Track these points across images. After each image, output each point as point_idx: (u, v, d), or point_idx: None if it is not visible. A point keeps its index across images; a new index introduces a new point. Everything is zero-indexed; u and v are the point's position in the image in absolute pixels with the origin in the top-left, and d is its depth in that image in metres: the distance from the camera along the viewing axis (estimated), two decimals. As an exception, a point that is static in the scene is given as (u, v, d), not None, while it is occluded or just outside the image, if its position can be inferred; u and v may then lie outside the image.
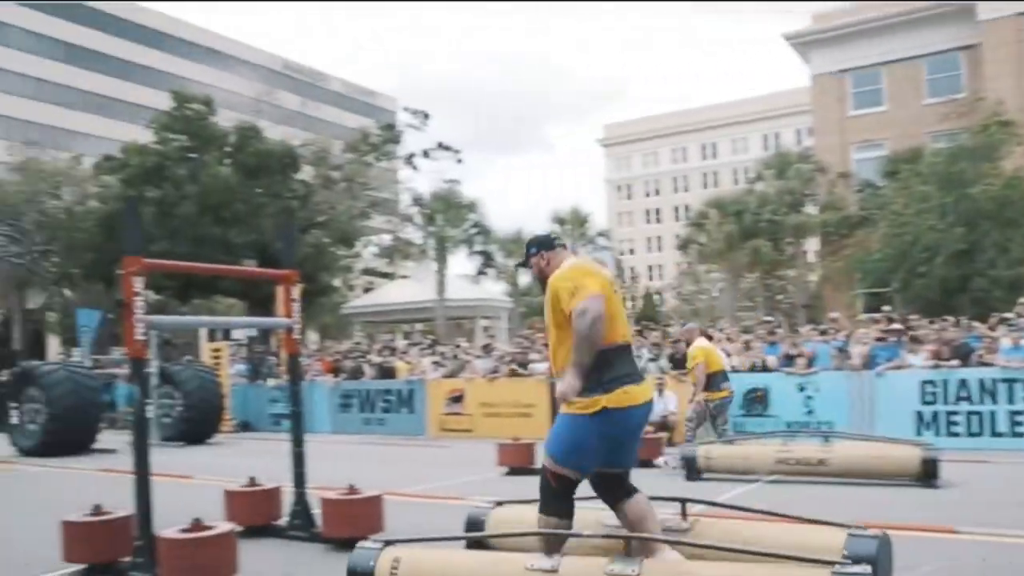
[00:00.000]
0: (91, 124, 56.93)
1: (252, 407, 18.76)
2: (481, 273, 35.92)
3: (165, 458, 9.05)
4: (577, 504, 4.82)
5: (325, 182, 26.82)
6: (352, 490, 5.96)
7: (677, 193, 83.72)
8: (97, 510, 5.51)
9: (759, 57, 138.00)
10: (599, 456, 4.16)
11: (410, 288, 35.63)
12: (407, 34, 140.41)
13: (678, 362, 14.03)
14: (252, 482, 6.51)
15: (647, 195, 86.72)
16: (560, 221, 38.20)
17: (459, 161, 35.87)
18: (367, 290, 46.69)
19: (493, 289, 38.61)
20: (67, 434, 13.17)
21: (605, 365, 4.08)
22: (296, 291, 6.35)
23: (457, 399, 15.75)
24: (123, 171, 23.07)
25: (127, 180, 22.61)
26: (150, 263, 5.59)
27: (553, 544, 4.09)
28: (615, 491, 4.34)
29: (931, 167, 23.48)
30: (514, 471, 9.98)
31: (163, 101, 29.14)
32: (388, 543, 4.22)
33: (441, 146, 35.01)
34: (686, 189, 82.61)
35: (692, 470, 9.18)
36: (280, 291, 6.55)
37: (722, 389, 9.59)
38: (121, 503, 5.60)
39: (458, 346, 17.48)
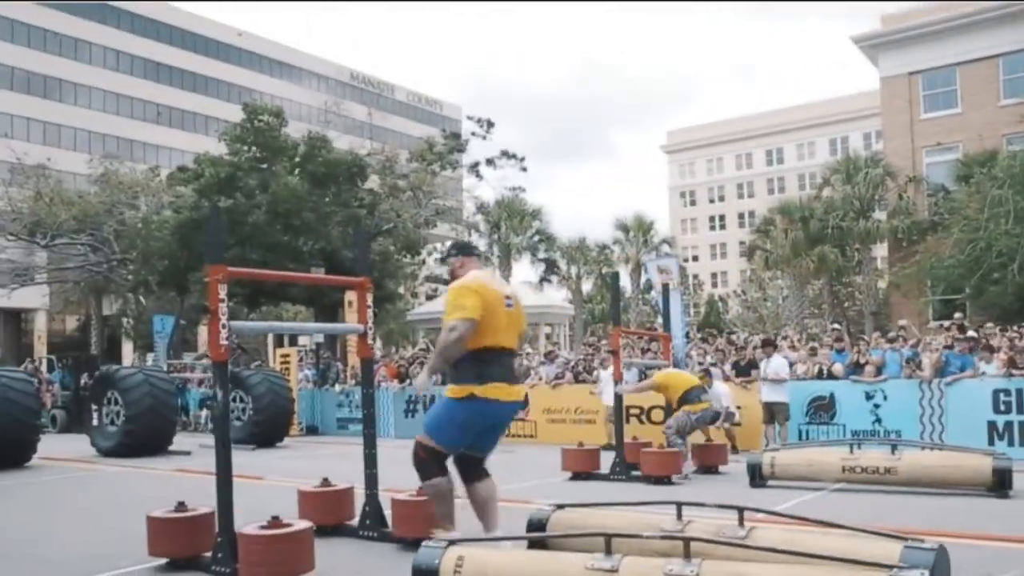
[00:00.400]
0: (167, 137, 58.70)
1: (319, 411, 19.27)
2: (544, 280, 36.10)
3: (237, 459, 9.29)
4: (634, 508, 5.27)
5: (391, 191, 27.22)
6: (422, 492, 6.11)
7: (742, 199, 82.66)
8: (180, 507, 5.75)
9: (826, 60, 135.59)
10: (465, 437, 5.00)
11: (473, 295, 35.85)
12: (471, 44, 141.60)
13: (741, 369, 14.01)
14: (325, 483, 6.71)
15: (711, 201, 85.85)
16: (624, 228, 38.10)
17: (523, 169, 36.15)
18: (430, 297, 47.14)
19: (555, 296, 38.72)
20: (144, 436, 13.64)
21: (483, 362, 4.85)
22: (370, 297, 6.51)
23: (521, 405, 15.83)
24: (196, 182, 23.74)
25: (200, 190, 23.24)
26: (234, 271, 5.72)
27: (446, 512, 5.05)
28: (472, 471, 5.22)
29: (1007, 170, 22.84)
30: (577, 476, 10.00)
31: (235, 113, 29.90)
32: (452, 542, 4.33)
33: (505, 154, 35.36)
34: (751, 195, 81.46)
35: (756, 477, 9.14)
36: (350, 297, 6.71)
37: (702, 401, 10.13)
38: (198, 501, 5.84)
39: (521, 352, 17.56)
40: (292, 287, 24.72)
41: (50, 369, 25.10)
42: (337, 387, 19.30)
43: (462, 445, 5.08)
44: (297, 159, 24.35)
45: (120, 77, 58.79)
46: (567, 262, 37.05)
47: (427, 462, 5.01)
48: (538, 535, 4.88)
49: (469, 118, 35.63)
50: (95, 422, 14.23)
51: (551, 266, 36.07)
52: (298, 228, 22.66)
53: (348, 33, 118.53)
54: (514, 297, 5.18)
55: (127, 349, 43.41)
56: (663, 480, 9.43)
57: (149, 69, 60.38)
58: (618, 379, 10.31)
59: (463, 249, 5.55)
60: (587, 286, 42.64)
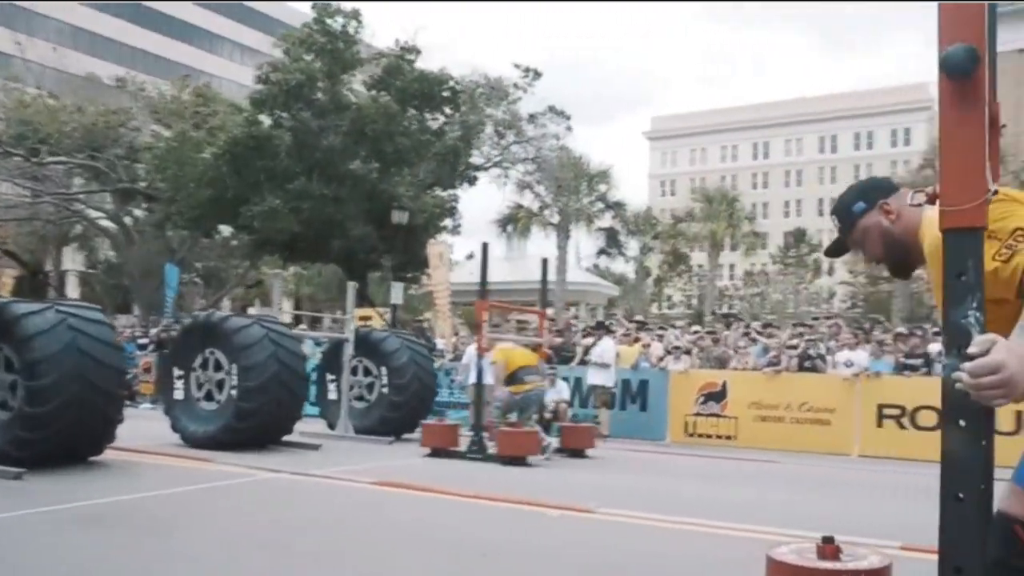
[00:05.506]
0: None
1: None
2: (603, 252, 31.97)
3: (453, 469, 5.34)
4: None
5: (475, 125, 22.36)
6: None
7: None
8: (827, 548, 2.27)
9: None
10: None
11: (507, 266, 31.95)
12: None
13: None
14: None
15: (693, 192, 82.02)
16: (707, 199, 34.05)
17: (568, 128, 31.94)
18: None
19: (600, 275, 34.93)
20: (265, 418, 9.26)
21: None
22: None
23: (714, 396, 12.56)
24: (258, 91, 18.88)
25: (260, 101, 18.42)
26: None
27: None
28: None
29: None
30: (436, 452, 9.11)
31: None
32: None
33: (552, 110, 31.02)
34: (734, 188, 78.22)
35: None
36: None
37: (526, 382, 9.69)
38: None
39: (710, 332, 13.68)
40: (332, 242, 19.63)
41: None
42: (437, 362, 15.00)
43: None
44: (378, 74, 19.48)
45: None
46: (627, 234, 32.88)
47: None
48: None
49: (516, 66, 31.05)
50: (179, 395, 9.74)
51: (612, 238, 31.66)
52: (389, 157, 17.75)
53: None
54: None
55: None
56: (517, 461, 8.73)
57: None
58: (482, 353, 9.65)
59: (882, 188, 2.30)
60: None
